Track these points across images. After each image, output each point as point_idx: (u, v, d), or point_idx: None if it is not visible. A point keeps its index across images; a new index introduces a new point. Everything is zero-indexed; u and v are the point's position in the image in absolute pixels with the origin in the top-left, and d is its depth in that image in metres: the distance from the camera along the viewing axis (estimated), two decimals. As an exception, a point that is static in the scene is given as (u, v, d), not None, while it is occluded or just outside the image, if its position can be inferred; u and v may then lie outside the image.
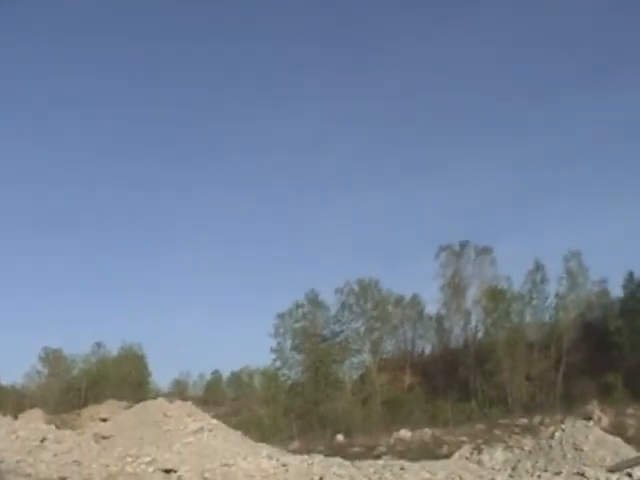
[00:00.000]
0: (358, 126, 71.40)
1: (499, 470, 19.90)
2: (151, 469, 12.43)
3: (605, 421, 25.12)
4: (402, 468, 18.66)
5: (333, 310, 35.87)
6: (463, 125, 68.64)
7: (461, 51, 67.24)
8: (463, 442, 25.39)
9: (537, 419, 27.00)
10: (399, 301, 36.71)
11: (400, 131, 69.57)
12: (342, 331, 35.59)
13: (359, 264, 64.85)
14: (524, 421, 27.37)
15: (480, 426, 27.91)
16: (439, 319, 37.05)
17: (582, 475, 17.11)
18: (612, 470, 7.07)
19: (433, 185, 66.30)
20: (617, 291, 34.40)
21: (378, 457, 22.46)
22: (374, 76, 69.59)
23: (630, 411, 26.70)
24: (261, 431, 25.49)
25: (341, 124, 72.48)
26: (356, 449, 25.51)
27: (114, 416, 18.95)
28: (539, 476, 19.17)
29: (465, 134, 67.83)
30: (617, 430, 23.03)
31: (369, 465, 18.91)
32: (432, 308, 37.41)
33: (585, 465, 18.22)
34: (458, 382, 32.43)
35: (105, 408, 28.07)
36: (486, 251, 35.69)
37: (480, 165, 63.47)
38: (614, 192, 60.73)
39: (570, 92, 65.28)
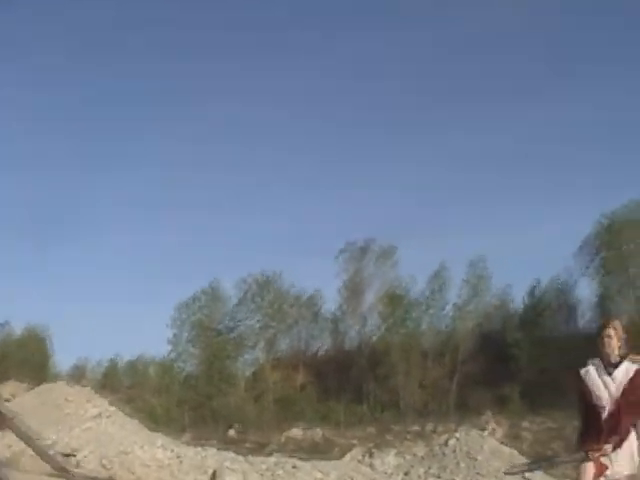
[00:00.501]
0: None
1: (391, 474, 20.90)
2: (52, 452, 12.42)
3: (500, 432, 26.75)
4: (294, 467, 19.22)
5: (233, 303, 36.54)
6: (375, 123, 70.30)
7: (377, 51, 68.75)
8: (354, 445, 26.39)
9: (430, 426, 28.14)
10: (296, 299, 37.20)
11: (312, 124, 70.40)
12: (237, 326, 36.47)
13: (266, 256, 65.49)
14: (416, 428, 28.55)
15: (371, 429, 29.06)
16: (335, 320, 37.74)
17: None
18: (509, 472, 7.21)
19: (342, 182, 67.40)
20: (519, 301, 36.40)
21: (270, 454, 22.98)
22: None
23: (525, 424, 28.41)
24: (154, 421, 25.39)
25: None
26: (248, 445, 26.28)
27: (17, 397, 19.15)
28: (437, 483, 20.35)
29: (378, 132, 69.25)
30: (512, 442, 24.69)
31: (261, 462, 19.44)
32: (332, 307, 38.07)
33: (479, 474, 19.49)
34: (351, 384, 33.28)
35: (7, 388, 27.99)
36: (389, 252, 36.58)
37: (392, 164, 65.15)
38: (527, 199, 63.79)
39: (489, 95, 67.79)
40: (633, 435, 5.35)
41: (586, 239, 34.51)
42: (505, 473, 7.34)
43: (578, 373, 5.52)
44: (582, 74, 62.17)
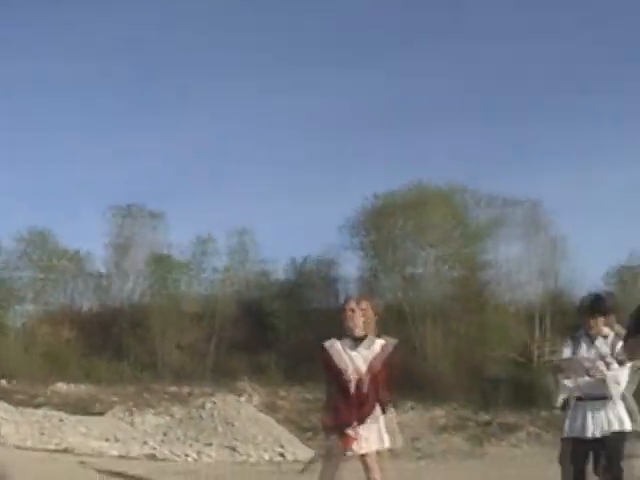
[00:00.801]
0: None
1: (151, 434, 22.30)
2: None
3: (257, 399, 29.12)
4: (61, 420, 20.39)
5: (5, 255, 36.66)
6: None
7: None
8: (115, 402, 27.54)
9: (187, 389, 30.00)
10: (66, 255, 37.52)
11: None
12: (10, 278, 36.36)
13: (39, 211, 63.04)
14: (174, 389, 30.29)
15: (131, 388, 30.32)
16: (101, 277, 38.68)
17: (234, 449, 20.24)
18: (305, 469, 6.91)
19: (116, 142, 65.67)
20: (282, 273, 39.08)
21: (38, 407, 23.62)
22: None
23: (282, 393, 30.76)
24: None
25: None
26: (19, 396, 26.60)
27: None
28: (190, 445, 21.73)
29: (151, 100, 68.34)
30: (269, 410, 26.99)
31: (31, 413, 20.33)
32: (100, 265, 38.96)
33: (236, 440, 21.23)
34: (113, 342, 34.42)
35: None
36: (157, 214, 37.89)
37: (161, 130, 65.08)
38: (300, 174, 66.51)
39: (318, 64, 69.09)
40: (379, 410, 5.61)
41: (354, 218, 37.52)
42: (300, 472, 7.17)
43: (323, 346, 5.76)
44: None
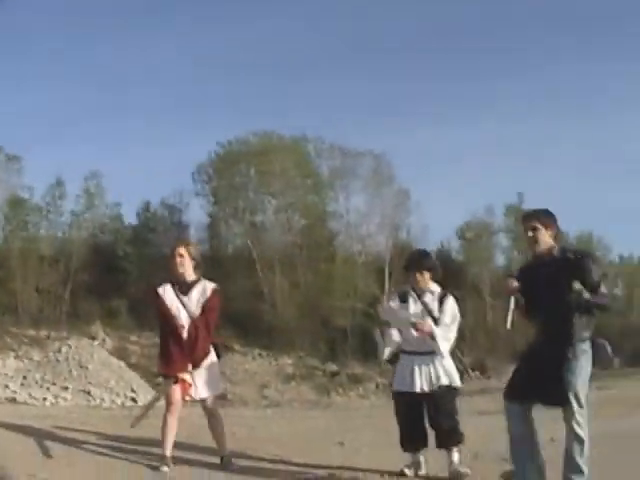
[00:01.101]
0: None
1: (12, 377, 21.72)
2: None
3: (109, 344, 28.72)
4: None
5: None
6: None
7: None
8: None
9: (44, 332, 29.53)
10: None
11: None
12: None
13: None
14: (32, 332, 29.72)
15: (-8, 331, 28.92)
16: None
17: (88, 393, 20.23)
18: (134, 425, 6.13)
19: None
20: (133, 217, 39.42)
21: None
22: None
23: (133, 338, 30.82)
24: None
25: None
26: None
27: None
28: (48, 388, 21.52)
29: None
30: (121, 354, 26.77)
31: None
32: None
33: (90, 384, 21.18)
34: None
35: None
36: (14, 158, 36.58)
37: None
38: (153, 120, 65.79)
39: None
40: (214, 355, 5.70)
41: (201, 165, 38.53)
42: (132, 426, 6.19)
43: (156, 291, 5.74)
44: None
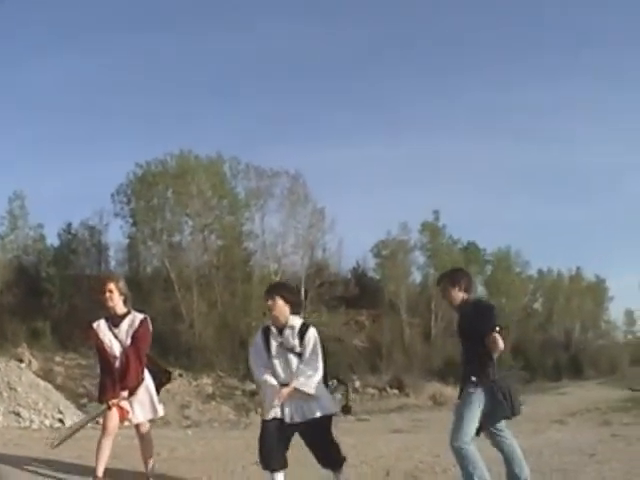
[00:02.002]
0: None
1: None
2: None
3: (35, 365, 31.02)
4: None
5: None
6: None
7: None
8: None
9: None
10: None
11: None
12: None
13: None
14: None
15: None
16: None
17: (18, 414, 22.41)
18: (57, 445, 7.46)
19: None
20: (54, 239, 41.90)
21: None
22: None
23: (58, 359, 32.65)
24: None
25: None
26: None
27: None
28: (-17, 412, 23.65)
29: None
30: (47, 375, 27.93)
31: None
32: None
33: (19, 405, 23.14)
34: None
35: None
36: None
37: None
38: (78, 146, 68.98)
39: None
40: (149, 380, 6.62)
41: (120, 186, 41.25)
42: (53, 447, 7.42)
43: (91, 326, 6.66)
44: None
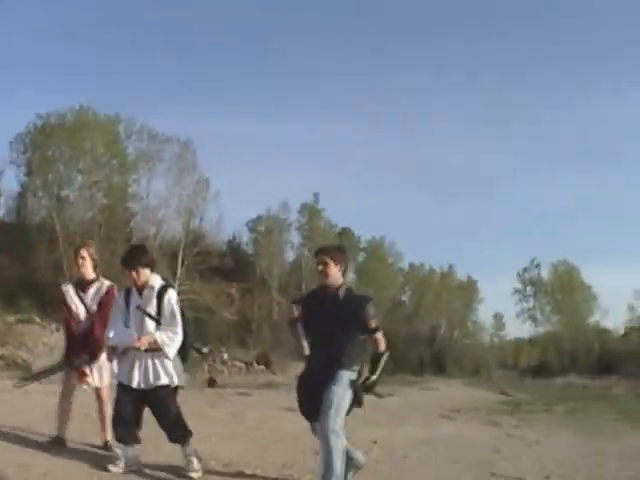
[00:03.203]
0: None
1: None
2: None
3: None
4: None
5: None
6: None
7: None
8: None
9: None
10: None
11: None
12: None
13: None
14: None
15: None
16: None
17: None
18: (19, 385, 8.76)
19: None
20: None
21: None
22: None
23: None
24: None
25: None
26: None
27: None
28: None
29: None
30: None
31: None
32: None
33: None
34: None
35: None
36: None
37: None
38: None
39: None
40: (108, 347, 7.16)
41: (19, 135, 45.62)
42: (15, 386, 8.37)
43: (60, 288, 7.76)
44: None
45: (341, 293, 6.33)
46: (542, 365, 68.35)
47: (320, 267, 6.36)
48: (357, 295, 6.51)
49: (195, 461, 6.85)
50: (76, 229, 43.50)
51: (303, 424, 6.87)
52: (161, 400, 6.73)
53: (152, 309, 6.76)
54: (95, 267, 7.74)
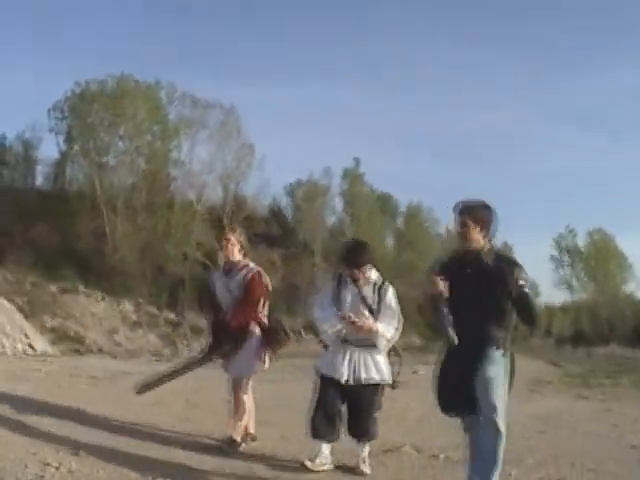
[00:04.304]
0: None
1: None
2: None
3: None
4: None
5: None
6: None
7: None
8: None
9: None
10: None
11: None
12: None
13: None
14: None
15: None
16: None
17: None
18: (142, 391, 7.75)
19: None
20: None
21: None
22: None
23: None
24: None
25: None
26: None
27: None
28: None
29: None
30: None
31: None
32: None
33: None
34: None
35: None
36: None
37: None
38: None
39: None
40: (256, 337, 7.20)
41: (58, 102, 44.33)
42: (137, 393, 7.69)
43: (208, 274, 7.64)
44: None
45: (485, 257, 5.36)
46: (578, 334, 65.91)
47: (459, 228, 5.45)
48: (505, 257, 5.54)
49: (367, 457, 6.50)
50: (117, 195, 43.37)
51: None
52: (368, 398, 6.39)
53: (371, 302, 6.38)
54: (243, 252, 7.42)
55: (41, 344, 23.28)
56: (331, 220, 59.14)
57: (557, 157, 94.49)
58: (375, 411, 6.41)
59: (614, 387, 17.31)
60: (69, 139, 44.68)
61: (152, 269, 41.41)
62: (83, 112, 43.96)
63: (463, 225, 5.40)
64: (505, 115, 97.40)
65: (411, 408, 10.24)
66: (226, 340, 7.12)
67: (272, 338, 7.32)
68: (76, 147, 44.75)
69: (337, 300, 6.41)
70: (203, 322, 35.81)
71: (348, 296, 6.38)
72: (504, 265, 5.31)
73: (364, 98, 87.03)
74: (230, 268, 7.29)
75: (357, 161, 58.88)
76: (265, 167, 52.43)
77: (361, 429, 6.36)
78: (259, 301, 7.21)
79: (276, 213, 54.40)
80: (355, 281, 6.39)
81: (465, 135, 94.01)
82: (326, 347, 6.56)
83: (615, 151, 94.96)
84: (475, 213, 5.41)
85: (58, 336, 28.64)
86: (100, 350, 28.00)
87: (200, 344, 30.27)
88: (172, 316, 38.32)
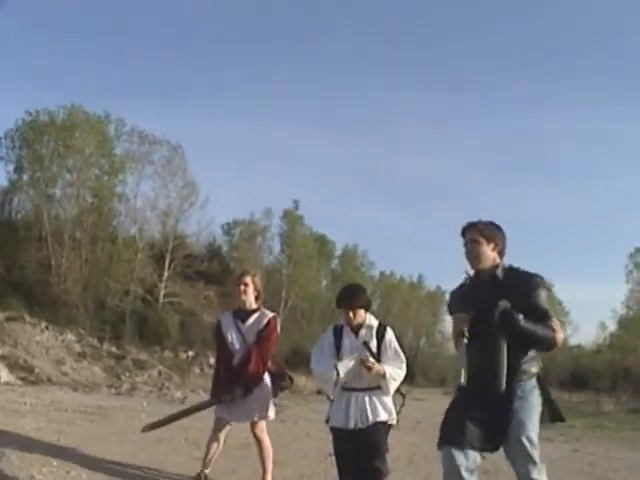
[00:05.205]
0: None
1: None
2: None
3: None
4: None
5: None
6: None
7: None
8: None
9: None
10: None
11: None
12: None
13: None
14: None
15: None
16: None
17: None
18: (146, 430, 7.73)
19: None
20: None
21: None
22: None
23: None
24: None
25: None
26: None
27: None
28: None
29: None
30: None
31: None
32: None
33: None
34: None
35: None
36: None
37: None
38: None
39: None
40: (266, 382, 7.11)
41: (9, 130, 44.93)
42: (143, 431, 7.72)
43: (218, 318, 7.43)
44: None
45: (499, 273, 4.93)
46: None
47: (469, 246, 5.06)
48: (522, 272, 4.99)
49: None
50: (63, 227, 43.57)
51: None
52: (377, 437, 6.28)
53: (372, 347, 6.35)
54: (257, 297, 7.29)
55: (5, 373, 24.00)
56: (269, 259, 60.22)
57: (495, 202, 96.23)
58: (385, 450, 6.32)
59: (569, 429, 17.98)
60: (19, 168, 44.92)
61: (94, 302, 41.51)
62: (34, 142, 44.34)
63: (474, 241, 5.02)
64: (443, 159, 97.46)
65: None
66: (238, 384, 7.00)
67: (277, 384, 7.28)
68: (25, 177, 44.99)
69: (337, 348, 6.38)
70: (145, 356, 37.37)
71: (347, 343, 6.34)
72: (523, 279, 4.94)
73: (311, 139, 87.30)
74: (245, 312, 7.22)
75: (297, 203, 60.42)
76: (209, 205, 52.81)
77: (372, 469, 6.22)
78: (274, 347, 7.20)
79: (214, 251, 54.86)
80: (352, 329, 6.38)
81: (402, 179, 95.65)
82: (329, 398, 6.53)
83: (551, 196, 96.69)
84: (485, 230, 5.09)
85: (9, 364, 28.55)
86: (49, 380, 27.72)
87: (142, 378, 32.68)
88: (114, 349, 38.22)
